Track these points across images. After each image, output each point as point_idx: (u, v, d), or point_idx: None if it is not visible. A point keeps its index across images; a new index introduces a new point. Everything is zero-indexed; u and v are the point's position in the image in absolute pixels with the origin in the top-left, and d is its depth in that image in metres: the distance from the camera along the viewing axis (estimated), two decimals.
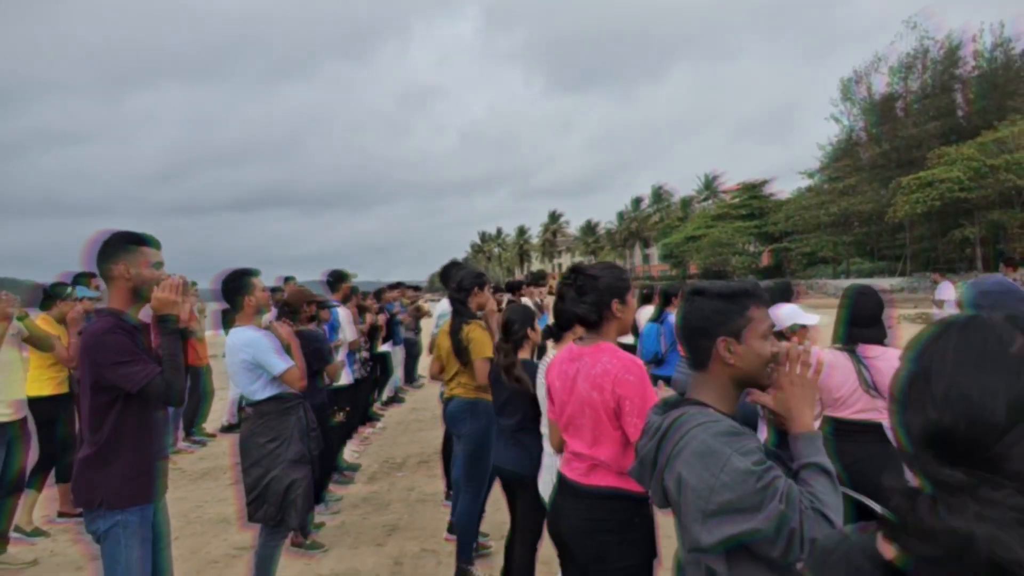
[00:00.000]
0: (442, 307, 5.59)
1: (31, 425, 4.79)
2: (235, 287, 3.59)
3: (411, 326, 10.39)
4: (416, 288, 11.02)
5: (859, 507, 1.78)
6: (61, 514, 5.19)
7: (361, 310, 7.29)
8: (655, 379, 5.95)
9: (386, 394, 9.95)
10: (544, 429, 3.05)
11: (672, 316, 6.09)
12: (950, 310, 8.77)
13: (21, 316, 4.61)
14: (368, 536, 4.80)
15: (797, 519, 1.31)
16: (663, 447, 1.50)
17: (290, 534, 4.00)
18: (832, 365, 2.99)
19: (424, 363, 9.23)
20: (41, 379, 4.99)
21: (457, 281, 4.40)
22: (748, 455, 1.35)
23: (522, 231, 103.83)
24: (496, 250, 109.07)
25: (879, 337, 2.99)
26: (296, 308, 4.61)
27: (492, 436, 3.74)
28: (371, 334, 7.60)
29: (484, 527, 4.51)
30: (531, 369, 3.18)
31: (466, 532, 4.01)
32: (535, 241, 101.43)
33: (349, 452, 6.81)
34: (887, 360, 2.82)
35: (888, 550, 0.79)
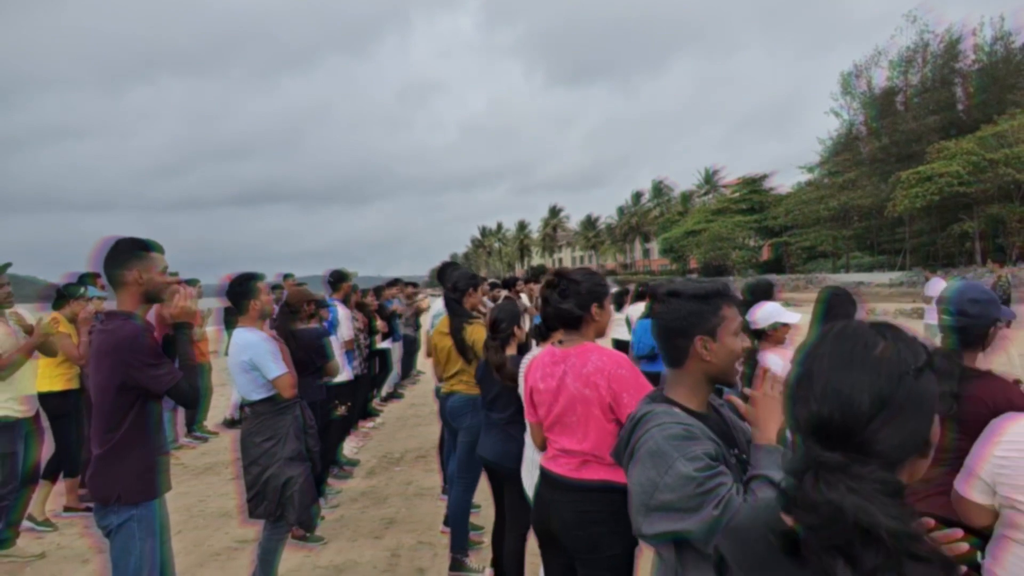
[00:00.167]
0: (436, 307, 5.72)
1: (43, 421, 4.94)
2: (242, 291, 3.71)
3: (410, 321, 10.51)
4: (414, 285, 11.14)
5: None
6: (67, 509, 5.32)
7: (360, 307, 7.42)
8: (647, 376, 6.07)
9: (385, 390, 10.08)
10: None
11: None
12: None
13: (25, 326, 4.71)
14: (366, 529, 4.93)
15: None
16: (633, 435, 1.61)
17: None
18: None
19: (423, 359, 9.37)
20: (52, 375, 5.15)
21: (452, 283, 4.53)
22: (693, 461, 1.44)
23: (522, 226, 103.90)
24: (496, 245, 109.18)
25: None
26: (297, 308, 4.75)
27: None
28: (370, 331, 7.72)
29: (479, 521, 4.65)
30: (515, 364, 3.31)
31: (460, 523, 4.15)
32: (535, 236, 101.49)
33: (349, 447, 6.94)
34: None
35: (787, 521, 0.92)
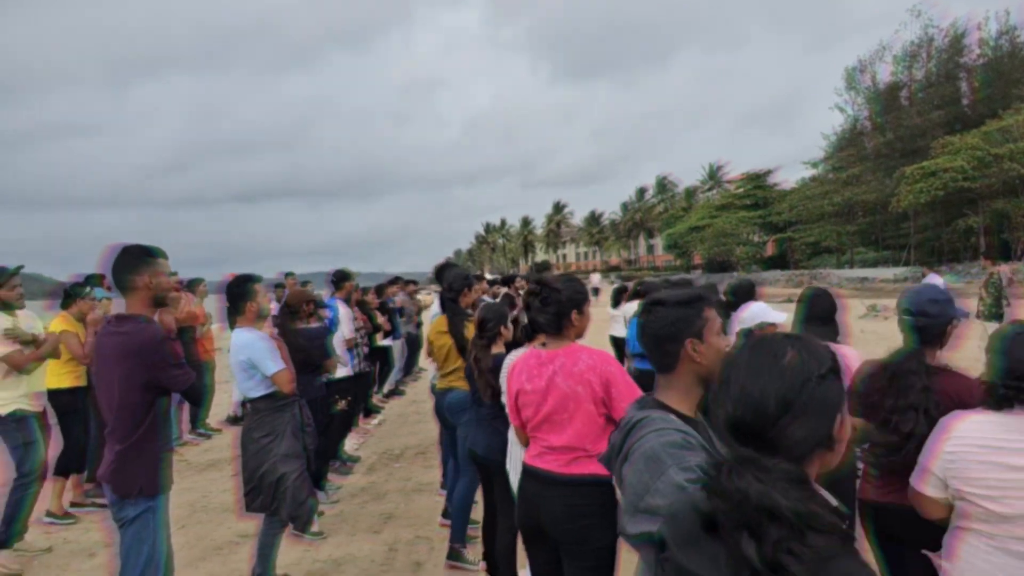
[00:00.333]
0: (435, 307, 5.83)
1: (51, 418, 5.11)
2: (239, 293, 3.83)
3: (412, 317, 10.60)
4: (414, 283, 11.25)
5: None
6: (73, 504, 5.45)
7: (361, 305, 7.52)
8: (642, 373, 6.15)
9: (387, 387, 10.20)
10: None
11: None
12: None
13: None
14: (365, 524, 5.04)
15: None
16: (627, 440, 1.67)
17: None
18: None
19: (425, 357, 9.46)
20: (60, 373, 5.28)
21: (448, 283, 4.65)
22: (686, 471, 1.49)
23: (526, 222, 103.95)
24: (500, 241, 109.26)
25: (832, 335, 3.21)
26: (296, 308, 4.87)
27: None
28: (373, 329, 7.82)
29: (474, 515, 4.74)
30: (499, 361, 3.41)
31: (462, 514, 4.26)
32: (539, 232, 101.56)
33: (350, 444, 7.05)
34: (840, 356, 3.03)
35: (707, 505, 1.05)
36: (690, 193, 74.20)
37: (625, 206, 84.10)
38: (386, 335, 8.87)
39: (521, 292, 6.86)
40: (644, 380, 2.33)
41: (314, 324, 5.12)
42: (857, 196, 43.99)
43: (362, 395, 7.24)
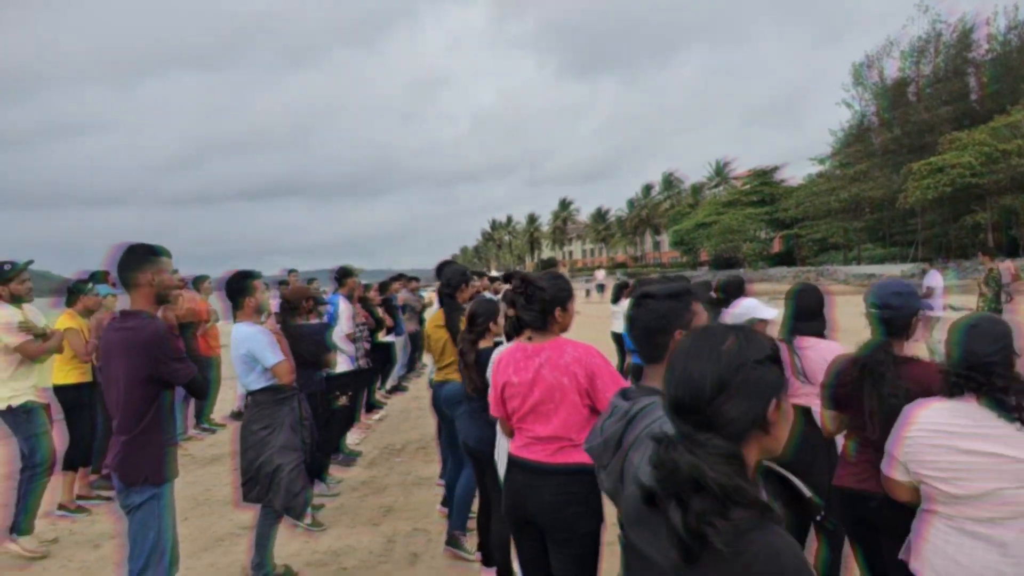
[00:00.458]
0: (437, 303, 5.91)
1: (58, 413, 5.25)
2: (237, 288, 3.95)
3: (416, 311, 10.66)
4: (416, 279, 11.33)
5: (785, 484, 2.10)
6: (79, 497, 5.55)
7: (363, 301, 7.60)
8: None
9: (390, 383, 10.29)
10: None
11: None
12: (938, 298, 8.99)
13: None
14: (365, 516, 5.13)
15: None
16: (630, 430, 1.70)
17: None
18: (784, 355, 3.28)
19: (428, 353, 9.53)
20: (67, 369, 5.41)
21: (445, 279, 4.75)
22: None
23: (532, 219, 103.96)
24: (507, 238, 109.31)
25: (819, 329, 3.27)
26: (295, 304, 4.95)
27: None
28: (375, 325, 7.90)
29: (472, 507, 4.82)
30: (485, 356, 3.48)
31: (464, 502, 4.34)
32: (546, 229, 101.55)
33: (351, 439, 7.14)
34: (818, 350, 3.10)
35: (648, 480, 1.14)
36: (697, 190, 74.12)
37: (631, 203, 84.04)
38: (388, 331, 8.95)
39: None
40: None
41: (314, 320, 5.20)
42: (864, 192, 43.84)
43: (363, 391, 7.32)
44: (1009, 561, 1.89)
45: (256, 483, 3.74)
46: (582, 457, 2.42)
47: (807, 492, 3.18)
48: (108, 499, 5.41)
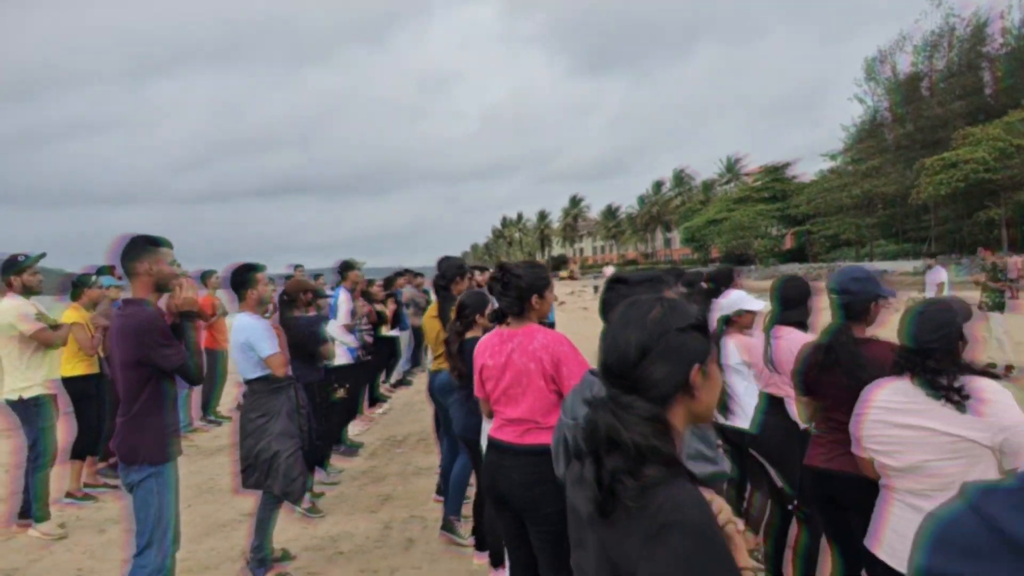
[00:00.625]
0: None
1: (67, 405, 5.40)
2: (240, 281, 4.07)
3: (421, 307, 10.74)
4: (420, 275, 11.42)
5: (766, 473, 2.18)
6: (86, 485, 5.69)
7: (365, 296, 7.70)
8: None
9: (394, 377, 10.40)
10: None
11: None
12: (935, 292, 8.98)
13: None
14: (363, 504, 5.23)
15: None
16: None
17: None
18: (755, 347, 3.38)
19: None
20: (75, 361, 5.54)
21: (442, 271, 4.85)
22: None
23: (543, 216, 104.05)
24: (517, 235, 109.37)
25: (801, 318, 3.32)
26: (294, 297, 5.06)
27: None
28: (378, 320, 8.00)
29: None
30: (469, 345, 3.57)
31: (458, 488, 4.44)
32: (556, 226, 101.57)
33: (353, 431, 7.25)
34: (788, 340, 3.16)
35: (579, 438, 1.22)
36: (708, 186, 73.95)
37: (642, 199, 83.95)
38: (393, 326, 9.05)
39: None
40: None
41: (312, 314, 5.30)
42: (877, 188, 43.55)
43: (363, 383, 7.42)
44: None
45: (255, 469, 3.84)
46: (549, 439, 2.52)
47: (779, 481, 3.28)
48: (114, 487, 5.55)
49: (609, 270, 42.92)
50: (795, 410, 3.11)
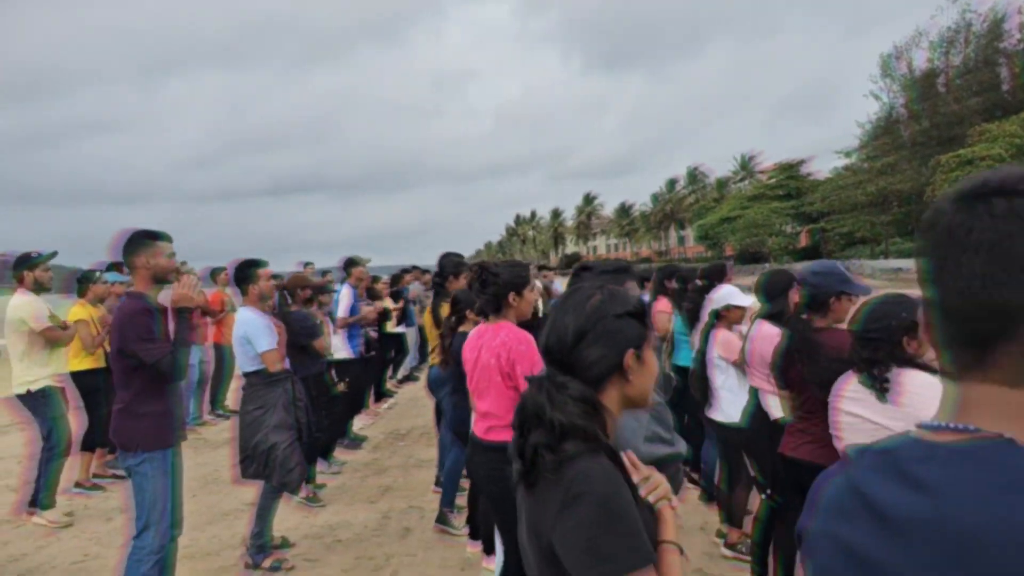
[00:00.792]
0: None
1: (75, 399, 5.56)
2: (243, 276, 4.19)
3: (427, 305, 10.85)
4: (428, 272, 11.52)
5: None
6: (95, 475, 5.85)
7: (371, 293, 7.81)
8: None
9: (401, 373, 10.52)
10: None
11: (644, 297, 6.48)
12: None
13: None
14: (363, 495, 5.34)
15: None
16: None
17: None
18: (733, 343, 3.48)
19: None
20: (82, 355, 5.69)
21: (440, 267, 4.95)
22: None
23: (556, 214, 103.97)
24: (531, 233, 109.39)
25: (779, 309, 3.37)
26: (293, 291, 5.18)
27: None
28: (382, 316, 8.11)
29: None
30: (460, 340, 3.65)
31: (452, 482, 4.54)
32: (570, 224, 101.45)
33: (358, 425, 7.37)
34: (760, 335, 3.23)
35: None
36: (722, 184, 73.52)
37: (656, 197, 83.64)
38: (398, 322, 9.16)
39: (537, 281, 7.10)
40: None
41: (313, 309, 5.42)
42: (892, 185, 43.12)
43: (365, 378, 7.51)
44: None
45: (253, 460, 3.95)
46: (510, 437, 2.62)
47: (752, 471, 3.37)
48: (123, 477, 5.67)
49: None
50: (767, 401, 3.18)
